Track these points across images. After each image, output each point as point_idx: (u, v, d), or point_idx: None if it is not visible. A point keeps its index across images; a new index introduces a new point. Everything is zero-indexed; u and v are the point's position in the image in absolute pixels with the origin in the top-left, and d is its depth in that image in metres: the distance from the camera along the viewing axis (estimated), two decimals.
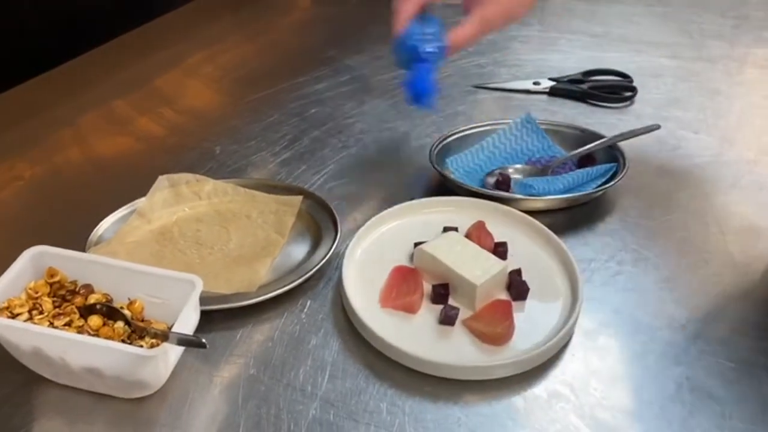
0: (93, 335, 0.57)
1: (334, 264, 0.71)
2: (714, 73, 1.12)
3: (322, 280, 0.70)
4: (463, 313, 0.64)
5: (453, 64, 1.14)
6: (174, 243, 0.73)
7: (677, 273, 0.71)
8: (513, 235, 0.73)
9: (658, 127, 0.85)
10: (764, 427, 0.56)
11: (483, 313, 0.64)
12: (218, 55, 1.20)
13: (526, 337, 0.62)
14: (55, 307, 0.59)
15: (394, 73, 1.11)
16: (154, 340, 0.56)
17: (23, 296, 0.59)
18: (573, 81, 1.06)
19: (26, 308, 0.58)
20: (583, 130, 0.88)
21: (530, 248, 0.72)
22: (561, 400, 0.58)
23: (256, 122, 0.98)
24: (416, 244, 0.70)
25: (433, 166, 0.82)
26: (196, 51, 1.20)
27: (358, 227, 0.73)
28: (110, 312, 0.59)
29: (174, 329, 0.55)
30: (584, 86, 1.04)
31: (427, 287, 0.67)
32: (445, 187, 0.82)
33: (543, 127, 0.88)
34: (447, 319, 0.63)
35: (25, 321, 0.57)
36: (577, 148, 0.84)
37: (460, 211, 0.76)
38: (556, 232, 0.72)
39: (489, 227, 0.72)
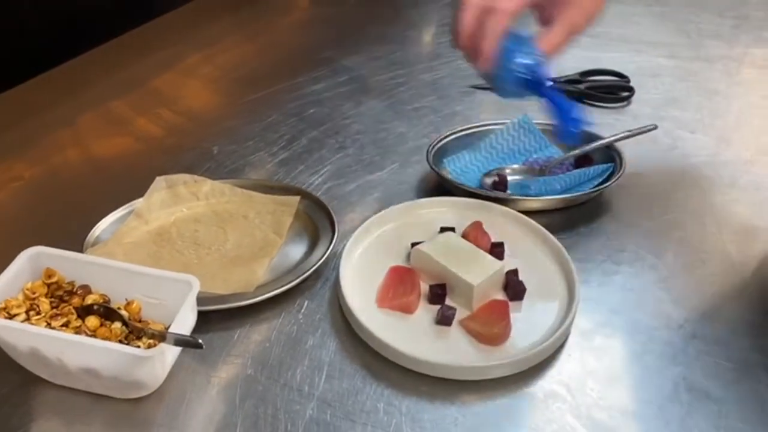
0: (90, 336, 0.57)
1: (332, 264, 0.71)
2: (712, 73, 1.12)
3: (319, 281, 0.70)
4: (460, 314, 0.64)
5: (450, 64, 1.14)
6: (172, 243, 0.73)
7: (674, 273, 0.71)
8: (510, 236, 0.73)
9: (655, 127, 0.85)
10: (762, 427, 0.56)
11: (480, 313, 0.64)
12: (217, 55, 1.20)
13: (523, 337, 0.62)
14: (52, 308, 0.59)
15: (392, 74, 1.11)
16: (151, 341, 0.56)
17: (20, 297, 0.59)
18: (570, 81, 1.06)
19: (23, 309, 0.58)
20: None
21: (527, 248, 0.72)
22: (558, 400, 0.58)
23: (254, 123, 0.98)
24: (413, 245, 0.70)
25: (431, 167, 0.82)
26: (194, 51, 1.20)
27: (356, 227, 0.73)
28: (107, 312, 0.59)
29: (171, 330, 0.55)
30: (581, 86, 1.04)
31: (424, 287, 0.67)
32: (442, 187, 0.82)
33: (540, 127, 0.88)
34: (444, 319, 0.63)
35: (22, 322, 0.57)
36: (574, 149, 0.84)
37: (457, 212, 0.77)
38: (553, 232, 0.72)
39: (486, 227, 0.73)
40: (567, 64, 1.12)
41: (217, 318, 0.65)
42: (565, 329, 0.62)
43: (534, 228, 0.73)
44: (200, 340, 0.54)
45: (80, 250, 0.69)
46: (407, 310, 0.65)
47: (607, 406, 0.57)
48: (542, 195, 0.78)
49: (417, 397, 0.58)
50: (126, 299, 0.61)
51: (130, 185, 0.79)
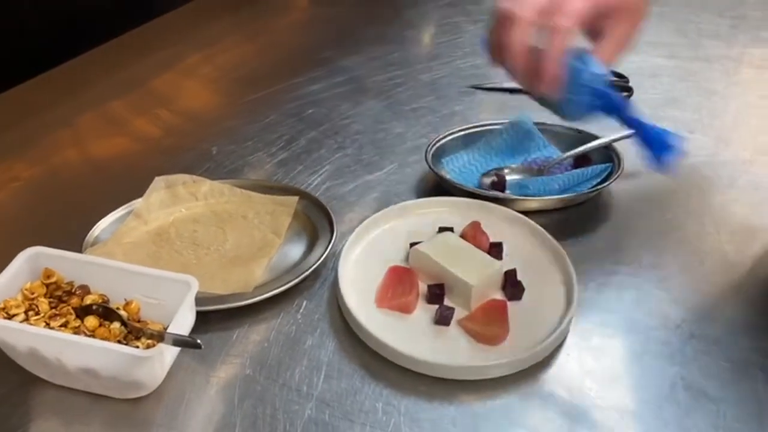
0: (89, 336, 0.57)
1: (330, 264, 0.71)
2: (711, 73, 1.12)
3: (318, 281, 0.70)
4: (459, 313, 0.64)
5: (449, 64, 1.15)
6: (170, 244, 0.73)
7: (672, 273, 0.71)
8: (508, 236, 0.73)
9: None
10: (760, 426, 0.56)
11: (478, 313, 0.64)
12: (216, 55, 1.20)
13: (522, 337, 0.62)
14: (51, 308, 0.59)
15: (390, 74, 1.11)
16: (150, 341, 0.56)
17: (19, 297, 0.59)
18: None
19: (22, 309, 0.58)
20: (579, 131, 0.88)
21: (525, 248, 0.72)
22: (556, 400, 0.58)
23: (253, 123, 0.98)
24: (412, 245, 0.70)
25: (429, 167, 0.82)
26: (194, 51, 1.21)
27: (354, 227, 0.73)
28: (106, 313, 0.59)
29: (170, 330, 0.55)
30: None
31: (422, 287, 0.67)
32: (440, 187, 0.82)
33: (539, 127, 0.88)
34: (442, 319, 0.63)
35: (21, 322, 0.57)
36: (572, 149, 0.84)
37: (456, 212, 0.77)
38: (551, 232, 0.72)
39: (484, 227, 0.73)
40: None
41: (216, 318, 0.65)
42: (564, 329, 0.62)
43: (532, 228, 0.73)
44: (199, 341, 0.54)
45: (79, 250, 0.69)
46: (406, 310, 0.65)
47: (605, 406, 0.58)
48: (541, 195, 0.79)
49: (415, 397, 0.58)
50: (125, 299, 0.61)
51: (129, 185, 0.79)
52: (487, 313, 0.63)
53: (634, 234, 0.76)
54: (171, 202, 0.78)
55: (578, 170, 0.82)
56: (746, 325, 0.65)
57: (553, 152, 0.87)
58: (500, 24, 0.64)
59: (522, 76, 0.65)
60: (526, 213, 0.75)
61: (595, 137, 0.85)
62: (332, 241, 0.71)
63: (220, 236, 0.75)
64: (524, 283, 0.67)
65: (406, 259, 0.71)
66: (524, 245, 0.72)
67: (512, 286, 0.66)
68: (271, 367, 0.61)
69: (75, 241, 0.71)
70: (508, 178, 0.83)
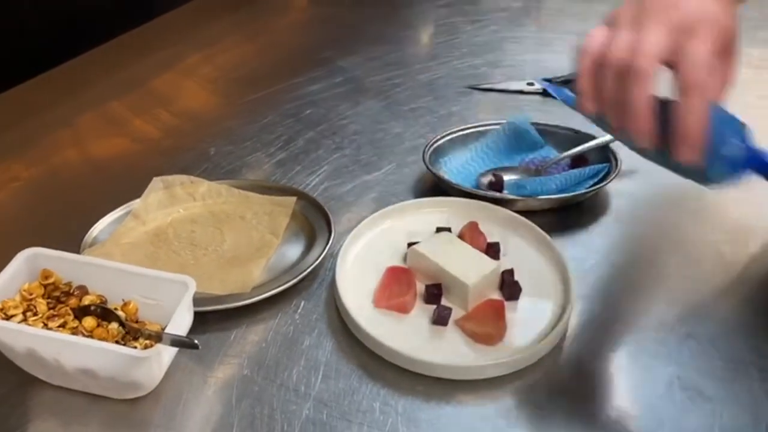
0: (87, 336, 0.57)
1: (328, 264, 0.72)
2: None
3: (315, 281, 0.70)
4: (456, 313, 0.64)
5: (447, 65, 1.15)
6: (168, 244, 0.74)
7: (669, 272, 0.72)
8: (506, 236, 0.73)
9: None
10: (756, 426, 0.56)
11: (475, 313, 0.64)
12: (215, 56, 1.20)
13: (519, 337, 0.62)
14: (49, 309, 0.59)
15: (389, 74, 1.12)
16: (147, 341, 0.57)
17: (17, 298, 0.59)
18: (567, 82, 1.06)
19: (20, 310, 0.58)
20: (576, 131, 0.88)
21: (523, 248, 0.72)
22: (553, 400, 0.58)
23: (252, 123, 0.98)
24: (409, 245, 0.70)
25: (427, 167, 0.82)
26: (193, 52, 1.21)
27: (352, 228, 0.73)
28: (104, 313, 0.59)
29: (167, 330, 0.55)
30: None
31: (420, 287, 0.67)
32: (438, 187, 0.83)
33: (536, 127, 0.88)
34: (440, 319, 0.64)
35: (19, 323, 0.57)
36: (569, 149, 0.84)
37: (453, 212, 0.77)
38: (548, 232, 0.72)
39: (482, 227, 0.73)
40: (564, 64, 1.12)
41: (213, 318, 0.65)
42: (561, 329, 0.62)
43: (530, 228, 0.73)
44: (196, 341, 0.54)
45: (78, 251, 0.69)
46: (403, 310, 0.65)
47: (602, 406, 0.58)
48: (538, 195, 0.79)
49: (413, 397, 0.58)
50: (123, 300, 0.61)
51: (127, 186, 0.79)
52: (485, 313, 0.64)
53: (630, 234, 0.77)
54: (169, 203, 0.78)
55: (575, 170, 0.82)
56: (742, 325, 0.65)
57: (551, 152, 0.87)
58: (612, 75, 0.52)
59: (647, 139, 0.52)
60: (523, 213, 0.75)
61: (592, 137, 0.85)
62: (330, 241, 0.72)
63: (218, 237, 0.75)
64: (521, 283, 0.67)
65: (404, 259, 0.71)
66: (521, 245, 0.73)
67: (509, 286, 0.67)
68: (268, 368, 0.61)
69: (73, 242, 0.71)
70: (505, 178, 0.83)
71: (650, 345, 0.63)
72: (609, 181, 0.79)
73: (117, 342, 0.57)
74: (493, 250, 0.71)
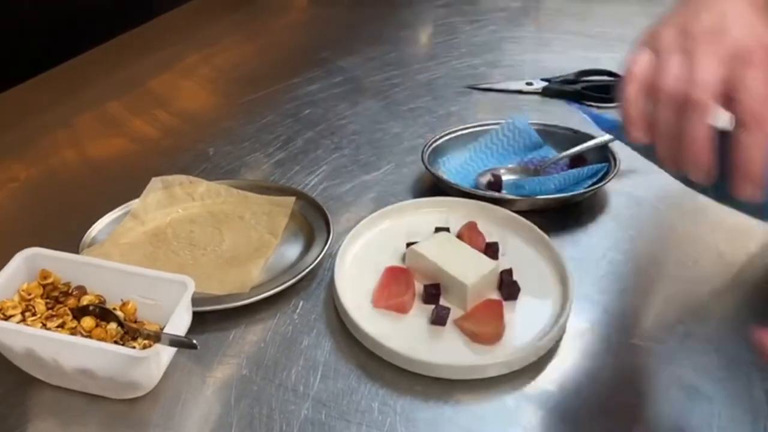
0: (86, 337, 0.57)
1: (327, 264, 0.72)
2: None
3: (314, 281, 0.70)
4: (455, 313, 0.64)
5: (446, 65, 1.15)
6: (167, 244, 0.74)
7: (667, 272, 0.72)
8: (504, 236, 0.73)
9: None
10: (754, 425, 0.56)
11: (474, 312, 0.64)
12: (214, 56, 1.20)
13: (517, 337, 0.62)
14: (48, 309, 0.59)
15: (387, 74, 1.12)
16: (146, 342, 0.57)
17: (16, 298, 0.59)
18: (566, 81, 1.07)
19: (19, 310, 0.58)
20: (575, 131, 0.88)
21: (521, 248, 0.72)
22: (551, 399, 0.58)
23: (250, 123, 0.98)
24: (408, 245, 0.70)
25: (426, 167, 0.82)
26: (192, 52, 1.21)
27: (351, 228, 0.73)
28: (103, 313, 0.59)
29: (166, 330, 0.55)
30: (577, 87, 1.05)
31: (418, 287, 0.67)
32: (437, 187, 0.83)
33: (535, 127, 0.88)
34: (438, 319, 0.64)
35: (17, 323, 0.57)
36: (568, 149, 0.84)
37: (452, 212, 0.77)
38: (547, 232, 0.72)
39: (481, 227, 0.73)
40: (564, 64, 1.12)
41: (212, 318, 0.65)
42: (559, 329, 0.63)
43: (528, 228, 0.73)
44: (195, 341, 0.54)
45: (76, 251, 0.69)
46: (402, 310, 0.65)
47: (600, 405, 0.58)
48: (537, 195, 0.79)
49: (411, 397, 0.58)
50: (122, 300, 0.61)
51: (126, 186, 0.79)
52: (483, 313, 0.64)
53: (629, 234, 0.77)
54: (168, 203, 0.78)
55: (574, 170, 0.82)
56: (741, 324, 0.65)
57: (549, 152, 0.87)
58: (666, 106, 0.50)
59: (705, 174, 0.50)
60: (522, 213, 0.75)
61: (591, 137, 0.85)
62: (329, 241, 0.72)
63: (217, 237, 0.75)
64: (520, 283, 0.67)
65: (403, 259, 0.71)
66: (520, 245, 0.73)
67: (508, 285, 0.67)
68: (267, 368, 0.61)
69: (72, 242, 0.71)
70: (504, 178, 0.83)
71: (649, 344, 0.63)
72: (608, 181, 0.79)
73: (116, 342, 0.57)
74: (491, 250, 0.71)
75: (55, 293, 0.60)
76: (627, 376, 0.61)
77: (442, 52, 1.20)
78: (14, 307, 0.58)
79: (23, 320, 0.58)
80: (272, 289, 0.66)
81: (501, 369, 0.60)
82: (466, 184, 0.81)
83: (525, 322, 0.64)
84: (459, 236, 0.72)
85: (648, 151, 0.54)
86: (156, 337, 0.55)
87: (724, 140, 0.49)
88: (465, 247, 0.69)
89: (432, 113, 1.01)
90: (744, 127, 0.47)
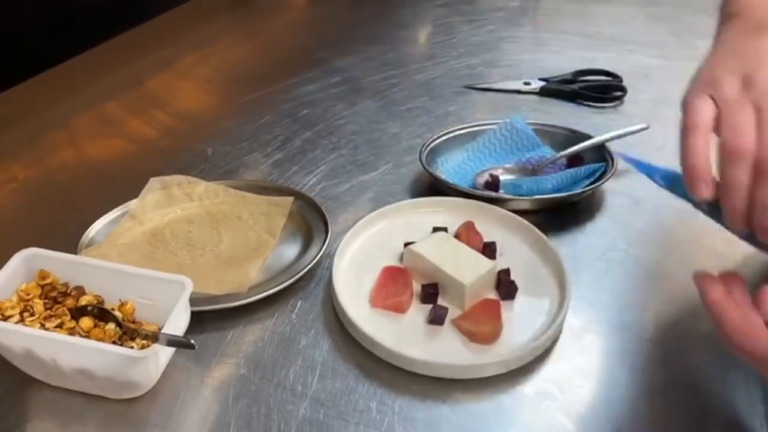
0: (84, 337, 0.57)
1: (325, 264, 0.72)
2: None
3: (312, 281, 0.70)
4: (452, 313, 0.64)
5: (444, 64, 1.15)
6: (165, 244, 0.74)
7: (665, 271, 0.72)
8: (502, 235, 0.73)
9: (646, 127, 0.86)
10: (751, 424, 0.56)
11: (472, 312, 0.64)
12: (212, 56, 1.21)
13: (515, 336, 0.63)
14: (46, 309, 0.59)
15: (385, 74, 1.12)
16: (144, 342, 0.57)
17: (14, 298, 0.59)
18: (563, 81, 1.07)
19: (17, 310, 0.58)
20: (573, 131, 0.88)
21: (519, 248, 0.72)
22: (548, 399, 0.58)
23: (249, 124, 0.98)
24: (406, 245, 0.71)
25: (424, 167, 0.82)
26: (189, 52, 1.21)
27: (349, 228, 0.73)
28: (101, 313, 0.59)
29: (164, 330, 0.55)
30: (574, 86, 1.05)
31: (416, 287, 0.67)
32: (435, 187, 0.83)
33: (533, 127, 0.89)
34: (436, 318, 0.64)
35: (16, 323, 0.57)
36: (566, 148, 0.85)
37: (450, 212, 0.77)
38: (544, 231, 0.72)
39: (478, 227, 0.73)
40: (560, 64, 1.12)
41: (210, 318, 0.65)
42: (557, 328, 0.63)
43: (526, 227, 0.73)
44: (193, 341, 0.54)
45: (75, 252, 0.70)
46: (400, 309, 0.65)
47: (597, 404, 0.58)
48: (534, 194, 0.79)
49: (409, 396, 0.58)
50: (120, 300, 0.61)
51: (124, 186, 0.79)
52: (481, 313, 0.64)
53: (626, 233, 0.77)
54: (166, 203, 0.78)
55: (571, 170, 0.82)
56: None
57: (547, 152, 0.87)
58: (735, 164, 0.48)
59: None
60: (519, 213, 0.75)
61: (589, 137, 0.85)
62: (327, 241, 0.72)
63: (215, 237, 0.75)
64: (517, 283, 0.67)
65: (401, 259, 0.71)
66: (518, 245, 0.73)
67: (506, 285, 0.67)
68: (265, 367, 0.61)
69: (70, 243, 0.71)
70: (501, 177, 0.83)
71: (646, 344, 0.63)
72: (605, 181, 0.79)
73: (114, 342, 0.57)
74: (489, 250, 0.71)
75: (54, 293, 0.60)
76: (625, 375, 0.61)
77: (440, 52, 1.20)
78: (13, 308, 0.58)
79: (22, 320, 0.58)
80: (270, 289, 0.66)
81: (499, 368, 0.60)
82: (463, 184, 0.81)
83: (522, 321, 0.64)
84: (457, 236, 0.72)
85: (709, 207, 0.52)
86: (154, 337, 0.55)
87: None
88: (463, 247, 0.69)
89: (430, 113, 1.01)
90: None
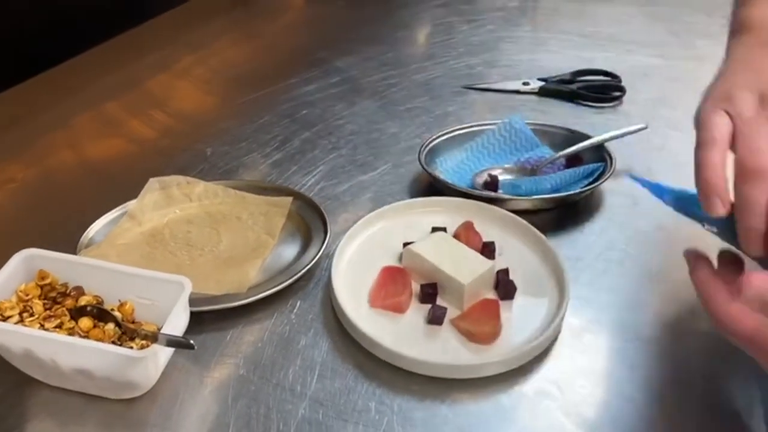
0: (83, 337, 0.57)
1: (324, 264, 0.72)
2: (702, 73, 1.11)
3: (311, 281, 0.71)
4: (451, 313, 0.65)
5: (443, 65, 1.15)
6: (164, 245, 0.74)
7: (663, 270, 0.72)
8: (501, 235, 0.73)
9: (645, 127, 0.86)
10: (750, 423, 0.56)
11: (471, 312, 0.64)
12: (211, 56, 1.21)
13: (514, 336, 0.63)
14: (45, 310, 0.59)
15: (384, 74, 1.12)
16: (144, 342, 0.57)
17: (14, 299, 0.59)
18: (562, 81, 1.07)
19: (17, 311, 0.58)
20: (572, 131, 0.88)
21: (518, 248, 0.73)
22: (547, 398, 0.58)
23: (248, 124, 0.98)
24: (405, 245, 0.71)
25: (423, 167, 0.82)
26: (189, 52, 1.21)
27: (348, 228, 0.73)
28: (101, 314, 0.59)
29: (163, 331, 0.55)
30: (573, 86, 1.05)
31: (415, 287, 0.67)
32: (434, 187, 0.83)
33: (532, 127, 0.89)
34: (435, 318, 0.64)
35: (15, 323, 0.57)
36: (565, 148, 0.85)
37: (449, 212, 0.77)
38: (543, 231, 0.72)
39: (477, 227, 0.73)
40: (559, 64, 1.12)
41: (210, 318, 0.65)
42: (555, 328, 0.63)
43: (525, 227, 0.73)
44: (192, 341, 0.54)
45: (74, 252, 0.70)
46: (399, 309, 0.65)
47: (596, 404, 0.58)
48: (533, 194, 0.79)
49: (408, 396, 0.58)
50: (119, 300, 0.61)
51: (123, 187, 0.79)
52: (480, 312, 0.64)
53: (625, 233, 0.77)
54: (165, 204, 0.78)
55: (570, 170, 0.82)
56: None
57: (546, 152, 0.87)
58: (753, 183, 0.47)
59: None
60: (518, 212, 0.75)
61: (587, 137, 0.85)
62: (326, 241, 0.72)
63: (214, 237, 0.75)
64: (516, 282, 0.67)
65: (400, 259, 0.71)
66: (516, 245, 0.73)
67: (504, 285, 0.67)
68: (264, 367, 0.61)
69: (70, 243, 0.71)
70: (500, 177, 0.83)
71: (645, 343, 0.63)
72: (604, 181, 0.79)
73: (113, 342, 0.57)
74: (488, 250, 0.71)
75: (53, 294, 0.60)
76: (624, 374, 0.61)
77: (439, 52, 1.20)
78: (12, 308, 0.58)
79: (21, 321, 0.58)
80: (269, 289, 0.66)
81: (497, 368, 0.60)
82: (462, 184, 0.81)
83: (521, 321, 0.64)
84: (456, 236, 0.72)
85: (721, 227, 0.51)
86: (153, 338, 0.55)
87: None
88: (461, 247, 0.69)
89: (429, 113, 1.01)
90: None
